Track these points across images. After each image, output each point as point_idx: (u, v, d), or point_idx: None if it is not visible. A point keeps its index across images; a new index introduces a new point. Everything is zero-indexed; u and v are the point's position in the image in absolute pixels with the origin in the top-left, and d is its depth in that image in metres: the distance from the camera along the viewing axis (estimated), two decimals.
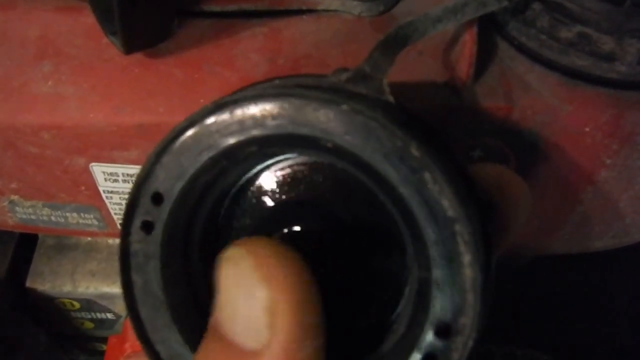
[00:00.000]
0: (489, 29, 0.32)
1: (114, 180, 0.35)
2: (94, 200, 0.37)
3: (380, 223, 0.26)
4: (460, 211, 0.20)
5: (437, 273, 0.21)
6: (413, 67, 0.31)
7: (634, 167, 0.34)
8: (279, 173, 0.27)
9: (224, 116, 0.23)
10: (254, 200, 0.28)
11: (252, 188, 0.27)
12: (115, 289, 0.43)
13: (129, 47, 0.30)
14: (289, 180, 0.27)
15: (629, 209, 0.37)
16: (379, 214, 0.26)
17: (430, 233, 0.21)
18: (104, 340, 0.50)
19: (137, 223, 0.24)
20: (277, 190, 0.28)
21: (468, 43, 0.30)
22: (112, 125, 0.32)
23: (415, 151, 0.21)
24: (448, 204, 0.20)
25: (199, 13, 0.32)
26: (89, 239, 0.44)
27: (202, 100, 0.31)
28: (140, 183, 0.24)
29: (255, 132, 0.22)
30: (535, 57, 0.30)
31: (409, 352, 0.22)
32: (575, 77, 0.30)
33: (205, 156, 0.23)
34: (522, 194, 0.26)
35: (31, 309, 0.44)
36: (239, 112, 0.22)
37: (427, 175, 0.21)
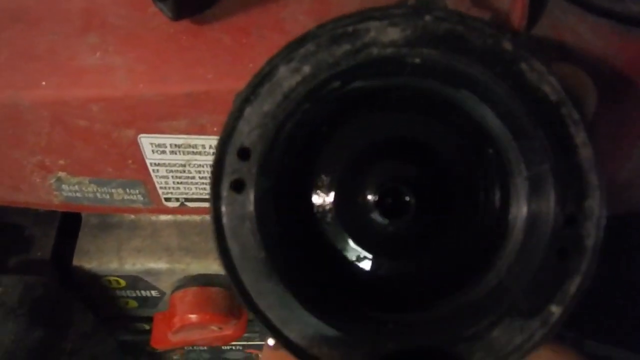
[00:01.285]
0: None
1: (161, 152, 0.35)
2: (141, 174, 0.37)
3: (472, 142, 0.26)
4: (563, 94, 0.20)
5: (551, 164, 0.21)
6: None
7: None
8: (362, 120, 0.27)
9: (302, 54, 0.22)
10: (340, 148, 0.27)
11: (338, 136, 0.27)
12: (161, 264, 0.43)
13: (178, 12, 0.30)
14: (374, 124, 0.27)
15: None
16: (471, 134, 0.25)
17: (536, 123, 0.21)
18: (147, 320, 0.51)
19: (225, 184, 0.23)
20: (362, 133, 0.27)
21: None
22: (161, 95, 0.32)
23: (507, 45, 0.20)
24: (550, 89, 0.20)
25: None
26: (132, 217, 0.44)
27: (251, 65, 0.31)
28: (225, 140, 0.23)
29: (340, 64, 0.22)
30: (586, 6, 0.30)
31: (539, 250, 0.22)
32: (630, 24, 0.29)
33: (289, 100, 0.22)
34: (591, 91, 0.27)
35: (77, 289, 0.44)
36: (315, 48, 0.22)
37: (523, 66, 0.21)
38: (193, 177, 0.37)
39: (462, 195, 0.27)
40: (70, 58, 0.32)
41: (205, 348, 0.55)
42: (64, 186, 0.38)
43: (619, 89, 0.31)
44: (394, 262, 0.28)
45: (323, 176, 0.28)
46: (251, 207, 0.23)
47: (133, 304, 0.48)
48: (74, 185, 0.38)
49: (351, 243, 0.28)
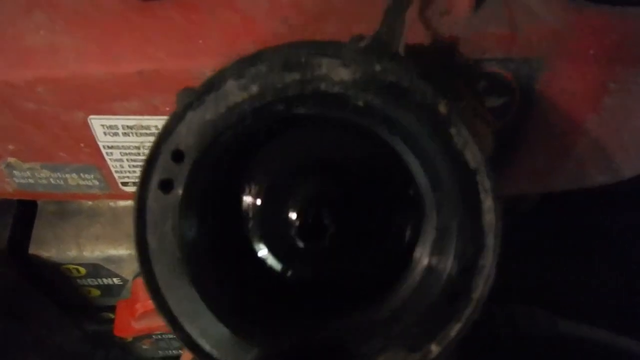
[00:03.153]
0: None
1: (113, 134, 0.34)
2: (94, 158, 0.36)
3: (396, 180, 0.28)
4: (481, 162, 0.23)
5: (459, 221, 0.23)
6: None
7: (638, 92, 0.34)
8: (298, 137, 0.28)
9: (253, 73, 0.23)
10: (273, 159, 0.28)
11: (272, 148, 0.28)
12: (122, 251, 0.42)
13: None
14: (308, 143, 0.28)
15: (632, 138, 0.37)
16: (396, 172, 0.27)
17: (453, 182, 0.23)
18: (112, 309, 0.50)
19: (154, 181, 0.24)
20: (297, 149, 0.29)
21: None
22: (111, 74, 0.31)
23: (443, 108, 0.23)
24: (471, 156, 0.23)
25: None
26: (91, 203, 0.43)
27: (201, 42, 0.30)
28: (161, 139, 0.24)
29: (287, 91, 0.23)
30: None
31: (432, 292, 0.24)
32: None
33: (232, 114, 0.23)
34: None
35: (36, 279, 0.43)
36: (267, 70, 0.23)
37: (453, 130, 0.23)
38: None
39: (377, 226, 0.29)
40: (14, 37, 0.31)
41: (174, 335, 0.54)
42: (15, 172, 0.37)
43: (569, 62, 0.31)
44: (304, 274, 0.30)
45: (252, 184, 0.29)
46: (175, 208, 0.24)
47: (96, 292, 0.47)
48: (25, 171, 0.37)
49: (269, 254, 0.29)
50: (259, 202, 0.29)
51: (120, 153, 0.35)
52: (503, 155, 0.37)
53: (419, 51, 0.29)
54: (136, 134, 0.34)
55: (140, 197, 0.24)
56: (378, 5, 0.29)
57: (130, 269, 0.44)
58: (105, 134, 0.34)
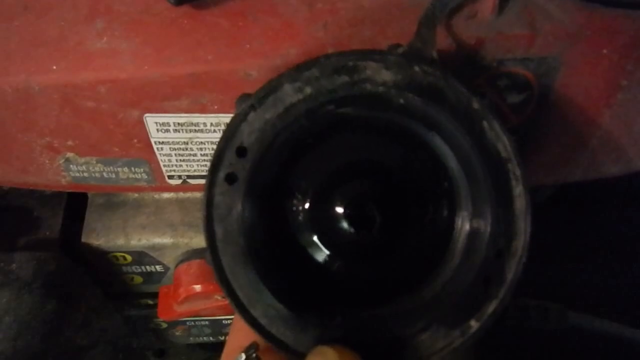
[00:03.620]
0: None
1: (165, 131, 0.37)
2: (145, 153, 0.39)
3: (432, 175, 0.30)
4: (512, 153, 0.26)
5: (491, 206, 0.26)
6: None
7: None
8: (344, 140, 0.31)
9: (307, 77, 0.26)
10: (322, 160, 0.31)
11: (321, 150, 0.31)
12: (165, 239, 0.45)
13: None
14: (353, 146, 0.31)
15: None
16: (433, 168, 0.30)
17: (485, 172, 0.26)
18: (151, 295, 0.53)
19: (221, 175, 0.27)
20: (343, 151, 0.31)
21: None
22: (165, 76, 0.34)
23: (476, 104, 0.25)
24: (503, 147, 0.26)
25: None
26: (136, 195, 0.47)
27: (247, 46, 0.33)
28: (227, 138, 0.27)
29: (337, 92, 0.26)
30: None
31: (469, 276, 0.27)
32: (593, 2, 0.32)
33: (289, 114, 0.26)
34: None
35: (86, 266, 0.47)
36: (319, 74, 0.26)
37: (485, 124, 0.26)
38: (195, 155, 0.39)
39: (416, 218, 0.32)
40: (78, 43, 0.34)
41: (207, 323, 0.58)
42: (72, 166, 0.41)
43: (585, 60, 0.34)
44: (352, 266, 0.32)
45: (303, 183, 0.31)
46: (240, 199, 0.27)
47: (138, 279, 0.50)
48: (81, 165, 0.41)
49: (319, 245, 0.32)
50: (309, 198, 0.31)
51: (170, 148, 0.38)
52: (522, 148, 0.40)
53: (449, 53, 0.31)
54: (186, 130, 0.37)
55: (209, 191, 0.27)
56: (408, 10, 0.32)
57: (172, 257, 0.47)
58: (158, 130, 0.37)
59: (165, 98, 0.35)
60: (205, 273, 0.44)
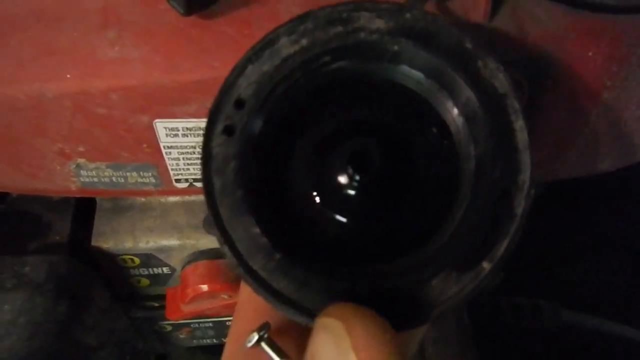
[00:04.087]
0: None
1: (174, 135, 0.39)
2: (154, 157, 0.41)
3: (431, 131, 0.30)
4: (509, 87, 0.26)
5: (493, 142, 0.26)
6: (437, 12, 0.36)
7: (631, 87, 0.39)
8: (340, 99, 0.31)
9: (302, 29, 0.27)
10: (320, 116, 0.31)
11: (319, 108, 0.31)
12: (172, 241, 0.47)
13: (189, 8, 0.33)
14: (349, 104, 0.31)
15: (630, 128, 0.42)
16: (431, 122, 0.30)
17: (485, 110, 0.26)
18: (157, 298, 0.54)
19: (219, 128, 0.27)
20: (339, 109, 0.31)
21: None
22: (174, 82, 0.36)
23: (468, 44, 0.26)
24: (499, 84, 0.26)
25: None
26: (143, 200, 0.48)
27: None
28: (225, 91, 0.27)
29: (332, 42, 0.27)
30: None
31: (476, 218, 0.26)
32: (578, 7, 0.34)
33: (286, 65, 0.27)
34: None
35: (95, 269, 0.48)
36: (314, 26, 0.27)
37: (479, 63, 0.26)
38: None
39: (417, 172, 0.31)
40: (90, 52, 0.36)
41: (211, 325, 0.59)
42: (82, 172, 0.42)
43: (571, 62, 0.36)
44: (354, 221, 0.31)
45: (300, 141, 0.31)
46: (237, 150, 0.27)
47: (145, 282, 0.51)
48: (91, 170, 0.42)
49: (315, 199, 0.31)
50: (307, 158, 0.31)
51: (178, 152, 0.40)
52: None
53: None
54: (194, 134, 0.39)
55: (207, 143, 0.27)
56: None
57: (178, 258, 0.48)
58: (167, 135, 0.38)
59: (174, 103, 0.37)
60: (211, 273, 0.46)
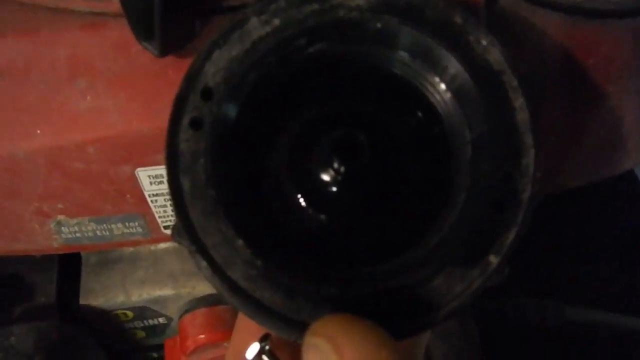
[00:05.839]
0: None
1: (159, 182, 0.36)
2: (139, 207, 0.38)
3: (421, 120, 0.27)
4: (505, 63, 0.23)
5: (490, 123, 0.23)
6: None
7: (632, 92, 0.37)
8: (321, 84, 0.28)
9: (274, 8, 0.24)
10: (300, 105, 0.28)
11: (296, 94, 0.28)
12: (167, 291, 0.44)
13: (164, 49, 0.31)
14: (333, 92, 0.28)
15: (630, 133, 0.40)
16: (420, 111, 0.27)
17: (479, 89, 0.23)
18: (155, 348, 0.52)
19: (185, 120, 0.24)
20: (319, 98, 0.28)
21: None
22: (155, 128, 0.33)
23: (458, 19, 0.23)
24: (494, 59, 0.23)
25: (218, 10, 0.34)
26: (131, 249, 0.45)
27: None
28: (190, 79, 0.24)
29: (307, 21, 0.24)
30: (537, 2, 0.33)
31: (478, 207, 0.23)
32: (575, 14, 0.33)
33: (257, 49, 0.24)
34: None
35: (86, 327, 0.45)
36: (287, 4, 0.24)
37: (471, 38, 0.23)
38: None
39: (408, 167, 0.28)
40: (61, 105, 0.33)
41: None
42: (63, 229, 0.39)
43: (570, 70, 0.35)
44: (342, 221, 0.28)
45: (277, 134, 0.28)
46: (206, 145, 0.23)
47: (141, 334, 0.49)
48: (73, 226, 0.39)
49: (301, 201, 0.27)
50: (286, 152, 0.28)
51: (165, 199, 0.37)
52: None
53: None
54: None
55: (171, 139, 0.24)
56: None
57: (174, 308, 0.46)
58: (151, 183, 0.36)
59: (157, 151, 0.34)
60: (211, 322, 0.43)
